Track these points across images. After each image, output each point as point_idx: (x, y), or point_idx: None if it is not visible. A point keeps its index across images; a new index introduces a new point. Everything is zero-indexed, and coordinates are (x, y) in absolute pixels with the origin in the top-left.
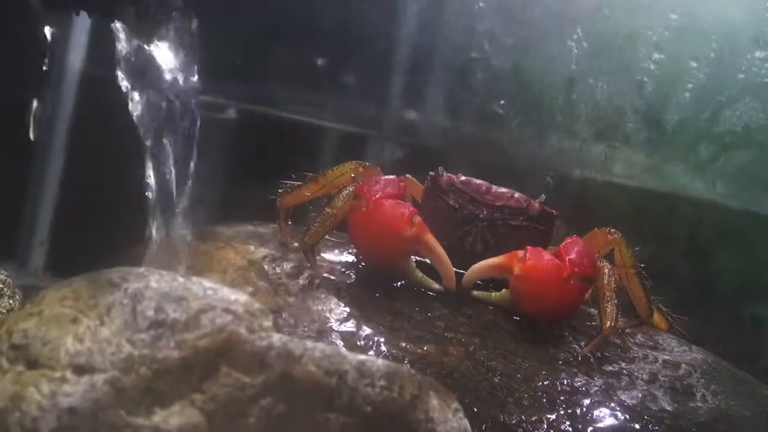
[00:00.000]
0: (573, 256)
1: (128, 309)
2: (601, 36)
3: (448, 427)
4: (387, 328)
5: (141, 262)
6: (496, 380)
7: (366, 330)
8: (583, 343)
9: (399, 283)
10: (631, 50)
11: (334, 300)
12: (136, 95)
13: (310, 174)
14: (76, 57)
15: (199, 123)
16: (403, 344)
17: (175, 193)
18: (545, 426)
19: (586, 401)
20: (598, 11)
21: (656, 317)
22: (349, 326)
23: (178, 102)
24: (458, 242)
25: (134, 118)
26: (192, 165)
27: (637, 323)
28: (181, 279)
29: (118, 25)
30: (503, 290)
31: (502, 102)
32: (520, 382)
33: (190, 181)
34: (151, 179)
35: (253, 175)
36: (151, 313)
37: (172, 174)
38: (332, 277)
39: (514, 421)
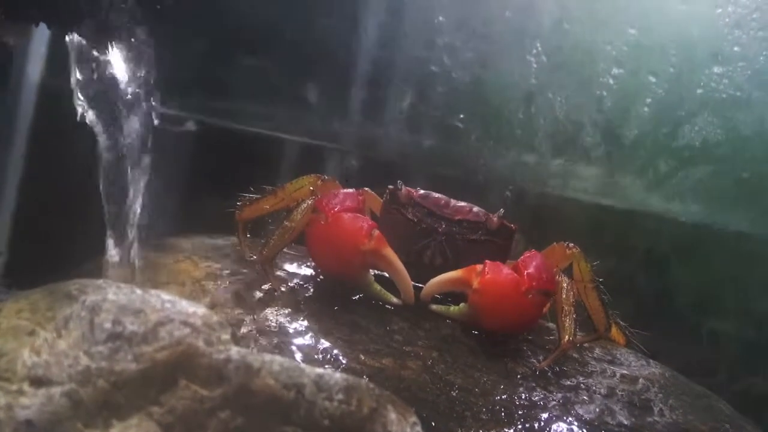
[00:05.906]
0: (531, 270)
1: (86, 321)
2: (561, 51)
3: None
4: (345, 341)
5: (99, 274)
6: (454, 394)
7: (324, 343)
8: (541, 357)
9: (357, 297)
10: (590, 65)
11: (293, 313)
12: (92, 107)
13: (269, 187)
14: (35, 67)
15: (152, 135)
16: (362, 357)
17: (131, 205)
18: None
19: (544, 415)
20: (558, 26)
21: (614, 331)
22: (308, 339)
23: (135, 114)
24: (417, 256)
25: (91, 129)
26: (150, 177)
27: (595, 337)
28: (139, 291)
29: (74, 36)
30: (462, 304)
31: (462, 116)
32: (478, 396)
33: (148, 193)
34: (108, 191)
35: (212, 188)
36: (108, 325)
37: (128, 186)
38: (290, 291)
39: None
